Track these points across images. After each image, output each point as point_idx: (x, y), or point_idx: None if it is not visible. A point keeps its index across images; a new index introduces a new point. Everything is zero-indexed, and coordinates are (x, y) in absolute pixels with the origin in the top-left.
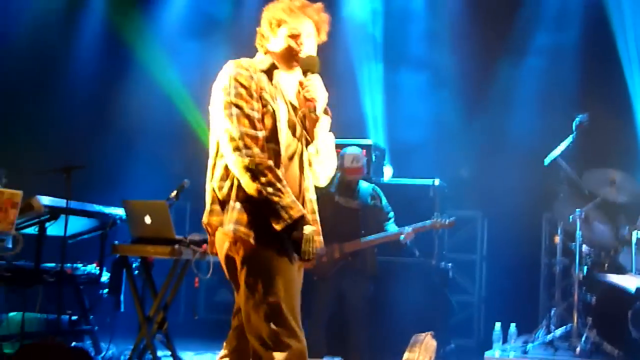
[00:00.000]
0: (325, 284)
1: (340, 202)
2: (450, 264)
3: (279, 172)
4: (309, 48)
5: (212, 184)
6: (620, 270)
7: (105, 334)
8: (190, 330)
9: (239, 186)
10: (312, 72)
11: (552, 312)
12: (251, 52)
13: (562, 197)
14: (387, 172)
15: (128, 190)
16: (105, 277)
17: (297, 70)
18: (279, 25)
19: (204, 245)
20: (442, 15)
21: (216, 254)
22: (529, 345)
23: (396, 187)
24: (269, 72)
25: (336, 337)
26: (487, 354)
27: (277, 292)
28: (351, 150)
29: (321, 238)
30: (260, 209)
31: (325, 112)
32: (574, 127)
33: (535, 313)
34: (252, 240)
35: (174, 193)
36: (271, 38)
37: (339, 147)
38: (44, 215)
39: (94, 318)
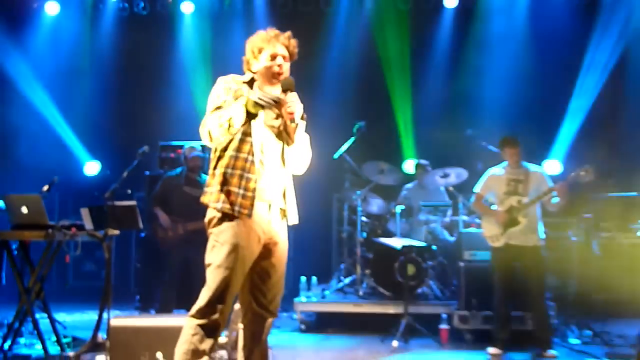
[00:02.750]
0: (173, 254)
1: (187, 190)
2: None
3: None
4: (284, 66)
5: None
6: (389, 234)
7: None
8: (62, 296)
9: (216, 174)
10: (291, 91)
11: (342, 266)
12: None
13: (347, 183)
14: None
15: (3, 180)
16: None
17: (278, 85)
18: (259, 52)
19: (73, 229)
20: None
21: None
22: (326, 292)
23: None
24: (250, 84)
25: (184, 294)
26: (296, 300)
27: (215, 256)
28: (188, 146)
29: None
30: (229, 191)
31: (302, 117)
32: (354, 131)
33: (329, 268)
34: (219, 216)
35: (46, 187)
36: (254, 61)
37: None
38: None
39: None
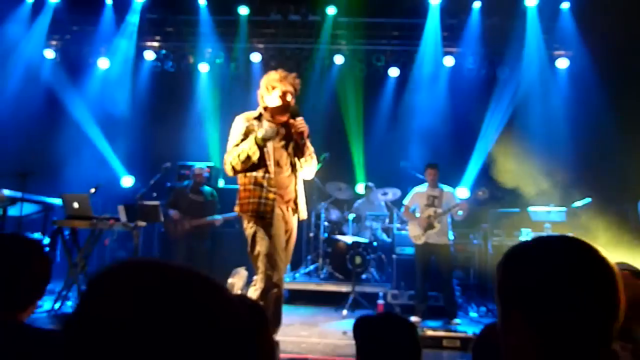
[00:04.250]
0: (180, 243)
1: (192, 197)
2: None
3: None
4: (292, 100)
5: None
6: (343, 234)
7: None
8: None
9: (241, 190)
10: (298, 116)
11: (308, 257)
12: None
13: (314, 197)
14: (222, 182)
15: (62, 185)
16: (46, 240)
17: (287, 114)
18: (273, 88)
19: (111, 220)
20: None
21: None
22: (297, 275)
23: (227, 190)
24: (259, 118)
25: None
26: None
27: (260, 247)
28: (198, 165)
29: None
30: (249, 203)
31: (308, 136)
32: (321, 159)
33: (300, 258)
34: (247, 219)
35: (93, 190)
36: (267, 96)
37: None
38: (6, 203)
39: None
